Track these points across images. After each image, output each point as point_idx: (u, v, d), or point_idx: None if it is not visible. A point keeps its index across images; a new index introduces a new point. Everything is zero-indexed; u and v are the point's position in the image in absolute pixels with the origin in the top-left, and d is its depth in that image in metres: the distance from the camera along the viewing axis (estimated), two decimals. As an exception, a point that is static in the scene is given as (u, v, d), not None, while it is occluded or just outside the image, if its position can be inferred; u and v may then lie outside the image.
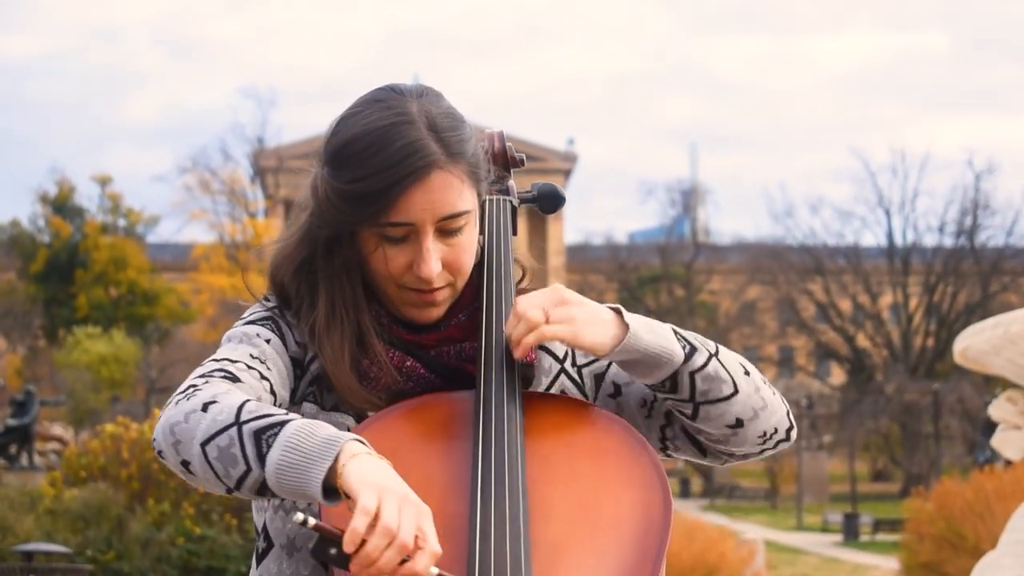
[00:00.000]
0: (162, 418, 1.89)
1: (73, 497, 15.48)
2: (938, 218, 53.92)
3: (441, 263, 2.03)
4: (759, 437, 2.10)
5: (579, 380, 2.19)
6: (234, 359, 2.01)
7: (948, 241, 53.38)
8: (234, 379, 1.96)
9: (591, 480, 1.94)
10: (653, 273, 60.58)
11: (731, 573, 16.57)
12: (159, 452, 1.90)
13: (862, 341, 53.96)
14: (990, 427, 7.83)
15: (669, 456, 2.21)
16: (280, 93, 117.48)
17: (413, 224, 2.00)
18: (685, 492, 48.13)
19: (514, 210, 2.30)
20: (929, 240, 54.13)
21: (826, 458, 47.66)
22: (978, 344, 7.01)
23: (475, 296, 2.13)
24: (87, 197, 59.14)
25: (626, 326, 1.99)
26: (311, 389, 2.09)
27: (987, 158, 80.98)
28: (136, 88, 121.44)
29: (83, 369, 45.10)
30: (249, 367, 2.00)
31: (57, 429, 38.61)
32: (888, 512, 35.58)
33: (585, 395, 2.18)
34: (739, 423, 2.07)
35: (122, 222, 59.58)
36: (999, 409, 7.21)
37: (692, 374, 2.01)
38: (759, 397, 2.07)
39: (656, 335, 2.00)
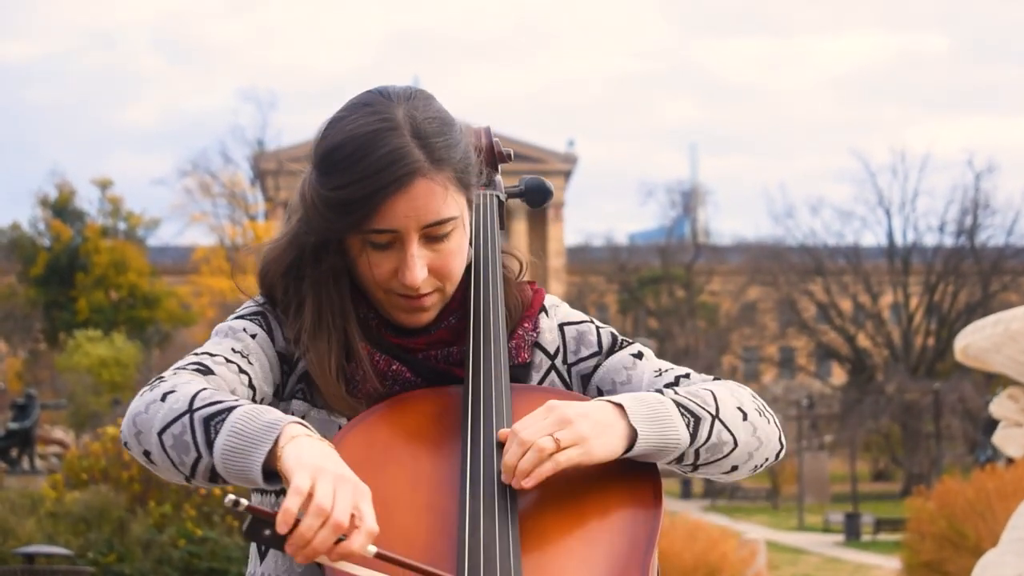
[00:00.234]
0: (128, 410, 1.92)
1: (74, 499, 15.48)
2: (938, 218, 53.95)
3: (428, 269, 2.02)
4: (751, 471, 2.12)
5: (567, 379, 2.18)
6: (214, 353, 2.02)
7: (948, 241, 53.38)
8: (207, 372, 1.97)
9: (580, 471, 1.92)
10: (653, 274, 60.58)
11: (733, 573, 16.56)
12: (124, 443, 1.93)
13: (863, 341, 53.94)
14: (991, 426, 7.82)
15: None
16: (280, 95, 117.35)
17: (397, 231, 1.99)
18: (686, 492, 48.10)
19: (501, 204, 2.30)
20: (929, 240, 54.17)
21: (827, 458, 47.62)
22: (979, 342, 7.00)
23: (465, 298, 2.12)
24: (87, 200, 59.20)
25: (630, 423, 1.94)
26: (300, 386, 2.09)
27: (987, 158, 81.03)
28: (136, 91, 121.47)
29: (84, 372, 45.09)
30: (228, 360, 2.01)
31: (58, 433, 38.60)
32: (889, 512, 35.56)
33: None
34: (734, 468, 2.08)
35: (122, 225, 59.59)
36: (1000, 406, 7.20)
37: (698, 449, 2.00)
38: (755, 439, 2.07)
39: (661, 425, 1.95)
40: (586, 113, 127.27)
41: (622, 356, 2.18)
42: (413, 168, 1.97)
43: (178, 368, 1.97)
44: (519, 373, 2.13)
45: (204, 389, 1.89)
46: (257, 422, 1.80)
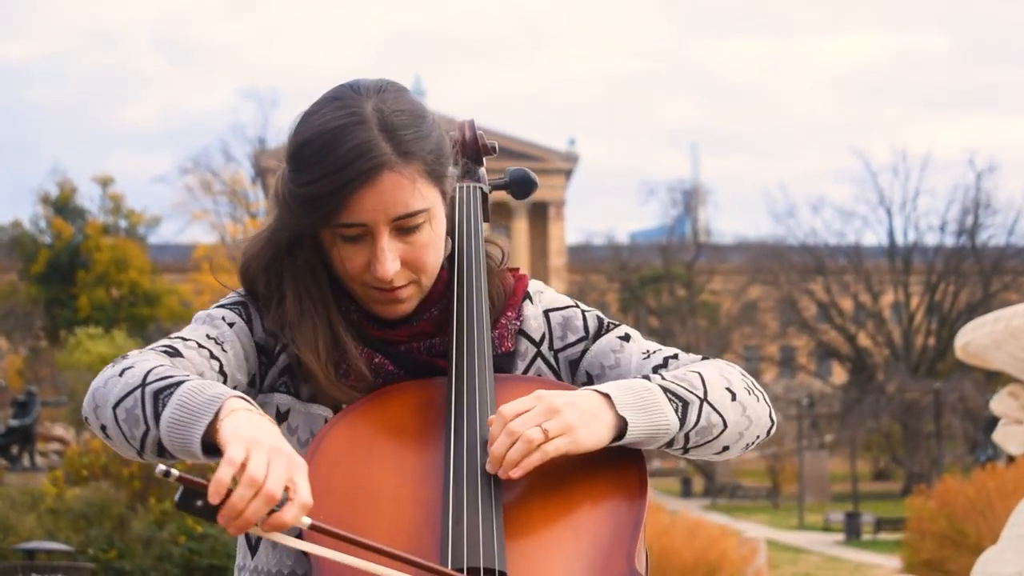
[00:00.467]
0: (90, 386, 1.93)
1: (75, 496, 15.50)
2: (939, 217, 53.90)
3: (400, 261, 2.02)
4: (743, 449, 2.11)
5: (555, 365, 2.17)
6: (187, 337, 2.03)
7: (949, 240, 53.35)
8: (175, 354, 1.97)
9: (566, 460, 1.91)
10: (654, 273, 60.54)
11: (733, 571, 16.56)
12: (85, 418, 1.94)
13: (863, 340, 53.91)
14: (992, 426, 7.81)
15: None
16: (281, 94, 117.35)
17: (366, 225, 1.99)
18: (687, 491, 48.10)
19: (485, 197, 2.29)
20: (930, 239, 54.14)
21: (827, 457, 47.60)
22: (979, 339, 7.01)
23: (447, 290, 2.12)
24: (88, 198, 59.16)
25: (618, 412, 1.93)
26: (283, 380, 2.08)
27: (988, 157, 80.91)
28: (137, 90, 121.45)
29: (84, 370, 45.04)
30: (200, 345, 2.01)
31: (59, 430, 38.61)
32: (890, 511, 35.55)
33: (560, 380, 2.16)
34: (725, 449, 2.07)
35: (123, 223, 59.56)
36: (1001, 404, 7.21)
37: (687, 433, 2.00)
38: (745, 418, 2.06)
39: (650, 412, 1.95)
40: (587, 112, 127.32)
41: (609, 339, 2.17)
42: (379, 161, 1.97)
43: (147, 349, 1.98)
44: (503, 362, 2.12)
45: (160, 366, 1.89)
46: (201, 396, 1.81)
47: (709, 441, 2.02)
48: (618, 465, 1.95)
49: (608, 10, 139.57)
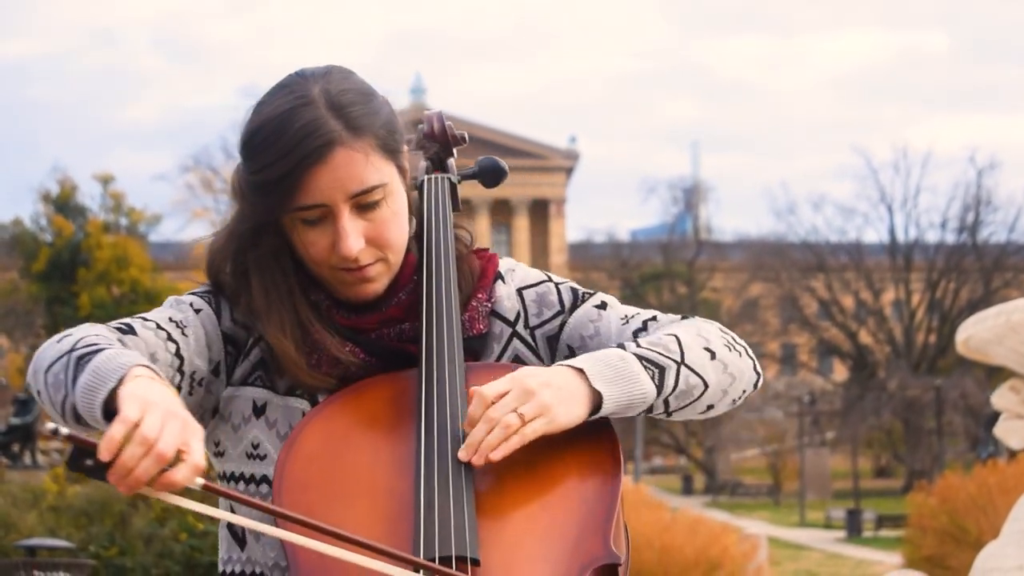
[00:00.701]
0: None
1: (76, 493, 15.50)
2: (940, 214, 53.96)
3: (364, 239, 2.01)
4: (730, 405, 2.10)
5: (532, 343, 2.15)
6: (148, 318, 2.03)
7: (950, 237, 53.41)
8: (128, 331, 1.97)
9: (538, 443, 1.90)
10: (655, 271, 60.57)
11: (734, 568, 16.56)
12: (27, 384, 1.95)
13: (864, 338, 53.93)
14: (993, 423, 7.80)
15: None
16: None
17: (325, 205, 1.98)
18: (688, 489, 48.12)
19: (453, 187, 2.28)
20: (931, 236, 54.19)
21: (829, 455, 47.63)
22: (980, 333, 7.00)
23: (415, 274, 2.11)
24: (89, 196, 59.08)
25: (592, 386, 1.92)
26: (257, 374, 2.07)
27: (989, 155, 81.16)
28: (137, 88, 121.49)
29: (85, 368, 45.07)
30: (159, 327, 2.01)
31: (61, 429, 38.61)
32: (891, 508, 35.56)
33: (540, 358, 2.14)
34: (710, 407, 2.06)
35: (124, 221, 59.53)
36: (1002, 398, 7.20)
37: (666, 399, 1.98)
38: (727, 375, 2.05)
39: (625, 381, 1.93)
40: (588, 111, 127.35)
41: (587, 309, 2.15)
42: (330, 138, 1.96)
43: (102, 325, 1.99)
44: (476, 345, 2.11)
45: (95, 335, 1.89)
46: (112, 363, 1.80)
47: (691, 403, 2.01)
48: (590, 444, 1.94)
49: (608, 9, 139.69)
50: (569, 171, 74.67)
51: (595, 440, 1.94)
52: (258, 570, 2.05)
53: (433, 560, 1.79)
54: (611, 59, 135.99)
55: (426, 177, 2.26)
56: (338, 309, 2.08)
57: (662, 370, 1.97)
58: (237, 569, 2.08)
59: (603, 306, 2.16)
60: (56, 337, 1.93)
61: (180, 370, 2.01)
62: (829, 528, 35.89)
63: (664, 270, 60.37)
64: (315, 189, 1.97)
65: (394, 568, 1.73)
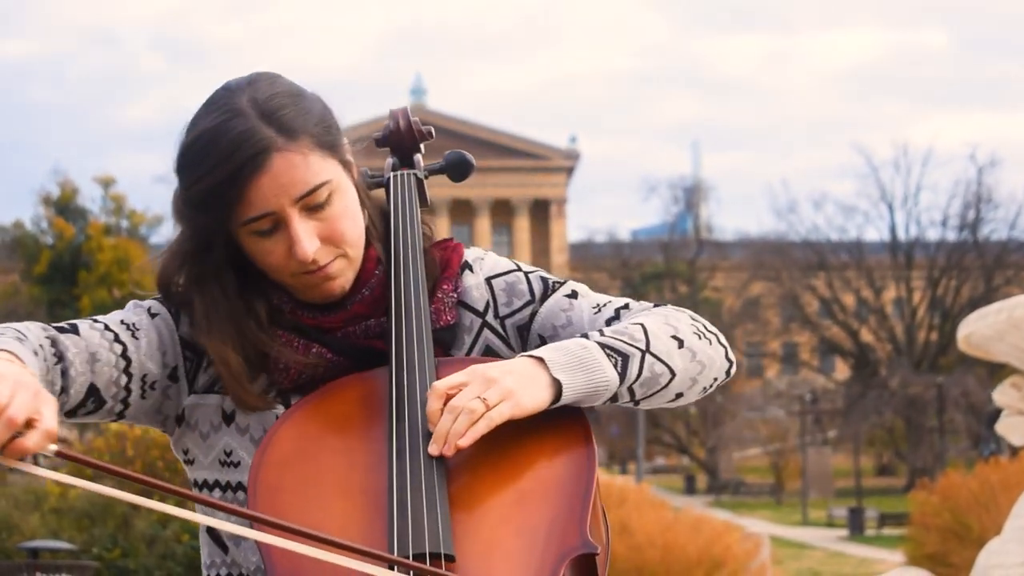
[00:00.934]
0: None
1: (78, 495, 15.50)
2: (941, 212, 53.99)
3: (319, 239, 1.99)
4: (701, 393, 2.08)
5: (503, 333, 2.13)
6: (99, 320, 2.03)
7: (951, 235, 53.42)
8: (70, 330, 1.98)
9: (511, 435, 1.89)
10: (656, 270, 60.59)
11: (737, 566, 16.56)
12: None
13: (866, 336, 53.94)
14: (995, 420, 7.81)
15: None
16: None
17: (273, 212, 1.97)
18: (690, 488, 48.12)
19: (419, 182, 2.27)
20: (932, 234, 54.21)
21: (831, 453, 47.64)
22: (982, 330, 7.02)
23: (376, 268, 2.10)
24: (90, 199, 59.11)
25: (552, 375, 1.90)
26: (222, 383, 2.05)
27: (990, 152, 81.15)
28: (137, 90, 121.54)
29: (87, 370, 45.09)
30: (107, 328, 2.01)
31: (62, 431, 38.65)
32: (893, 506, 35.57)
33: (511, 348, 2.13)
34: (679, 395, 2.04)
35: (125, 223, 59.58)
36: (1004, 395, 7.21)
37: (631, 387, 1.96)
38: (696, 364, 2.03)
39: (586, 370, 1.92)
40: (588, 110, 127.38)
41: (557, 299, 2.13)
42: (264, 146, 1.95)
43: (44, 325, 1.99)
44: (446, 336, 2.10)
45: (8, 327, 1.89)
46: None
47: (658, 391, 2.00)
48: (563, 434, 1.93)
49: (608, 8, 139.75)
50: (570, 171, 74.67)
51: (568, 430, 1.93)
52: (243, 572, 2.05)
53: (408, 557, 1.78)
54: (611, 58, 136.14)
55: (392, 174, 2.25)
56: (302, 310, 2.07)
57: (626, 358, 1.95)
58: (223, 572, 2.07)
59: (574, 295, 2.14)
60: None
61: (127, 372, 2.00)
62: (831, 527, 35.90)
63: (665, 269, 60.39)
64: (260, 199, 1.95)
65: (369, 566, 1.72)
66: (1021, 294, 7.33)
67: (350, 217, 2.03)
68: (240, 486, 2.03)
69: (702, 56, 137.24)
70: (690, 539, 15.98)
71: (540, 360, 1.91)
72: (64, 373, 1.93)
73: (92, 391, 1.97)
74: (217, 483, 2.05)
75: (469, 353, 2.12)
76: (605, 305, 2.12)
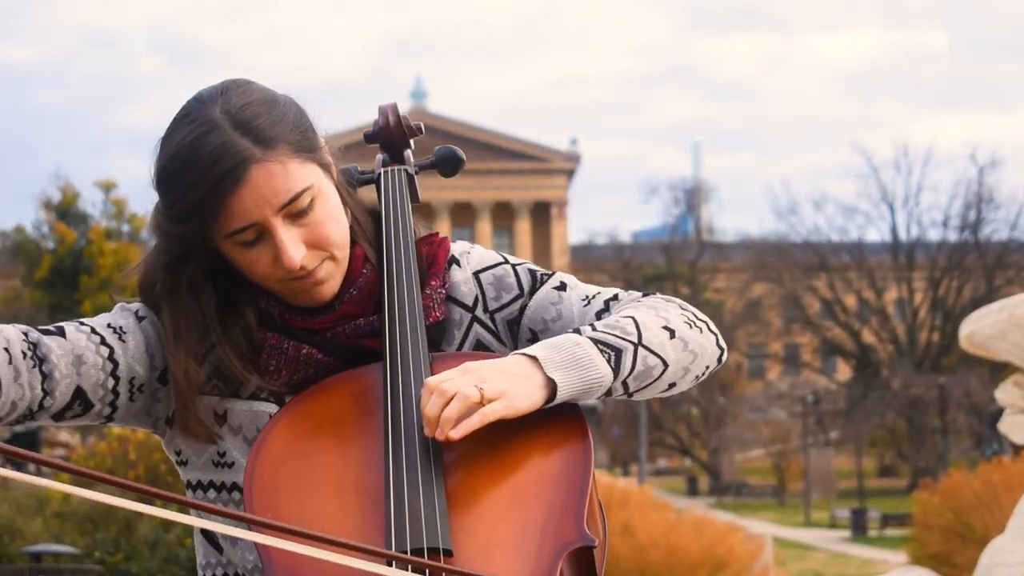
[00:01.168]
0: None
1: (81, 499, 15.49)
2: (942, 213, 53.94)
3: (304, 245, 1.99)
4: (693, 382, 2.08)
5: (493, 327, 2.13)
6: (85, 322, 2.04)
7: (952, 236, 53.38)
8: (57, 332, 1.98)
9: (506, 430, 1.89)
10: (657, 272, 60.57)
11: (739, 567, 16.56)
12: None
13: (867, 337, 53.93)
14: (997, 420, 7.81)
15: None
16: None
17: (257, 223, 1.96)
18: (692, 490, 48.09)
19: (410, 178, 2.27)
20: (933, 235, 54.18)
21: (833, 454, 47.61)
22: (984, 328, 7.02)
23: (364, 267, 2.09)
24: (91, 203, 59.13)
25: (546, 374, 1.90)
26: (214, 383, 2.05)
27: (990, 152, 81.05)
28: (136, 93, 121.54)
29: (89, 375, 45.06)
30: (94, 331, 2.01)
31: (64, 435, 38.62)
32: (896, 507, 35.56)
33: (502, 342, 2.12)
34: (672, 386, 2.04)
35: (126, 227, 59.58)
36: (1006, 394, 7.22)
37: (625, 381, 1.96)
38: (688, 353, 2.02)
39: (580, 367, 1.91)
40: (588, 112, 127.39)
41: (547, 292, 2.12)
42: (242, 158, 1.94)
43: (34, 327, 1.99)
44: (435, 332, 2.09)
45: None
46: None
47: (651, 383, 1.99)
48: (558, 429, 1.92)
49: (608, 9, 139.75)
50: (570, 173, 74.66)
51: (563, 425, 1.93)
52: (239, 572, 2.05)
53: (405, 553, 1.78)
54: (611, 60, 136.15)
55: (382, 170, 2.25)
56: (291, 313, 2.06)
57: (618, 352, 1.94)
58: (219, 573, 2.07)
59: (562, 287, 2.13)
60: None
61: (114, 374, 2.00)
62: (834, 528, 35.89)
63: (666, 271, 60.37)
64: (242, 211, 1.95)
65: (366, 562, 1.71)
66: (1022, 293, 7.34)
67: (334, 219, 2.03)
68: (235, 486, 2.03)
69: (702, 57, 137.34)
70: (693, 540, 15.98)
71: (533, 359, 1.90)
72: (47, 376, 1.92)
73: (78, 394, 1.97)
74: (211, 484, 2.05)
75: (460, 348, 2.11)
76: (594, 297, 2.12)
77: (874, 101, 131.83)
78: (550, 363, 1.90)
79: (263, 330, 2.05)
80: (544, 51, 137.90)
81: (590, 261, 63.82)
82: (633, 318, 2.00)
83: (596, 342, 1.94)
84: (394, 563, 1.75)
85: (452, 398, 1.84)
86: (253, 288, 2.06)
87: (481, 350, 2.11)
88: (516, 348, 2.09)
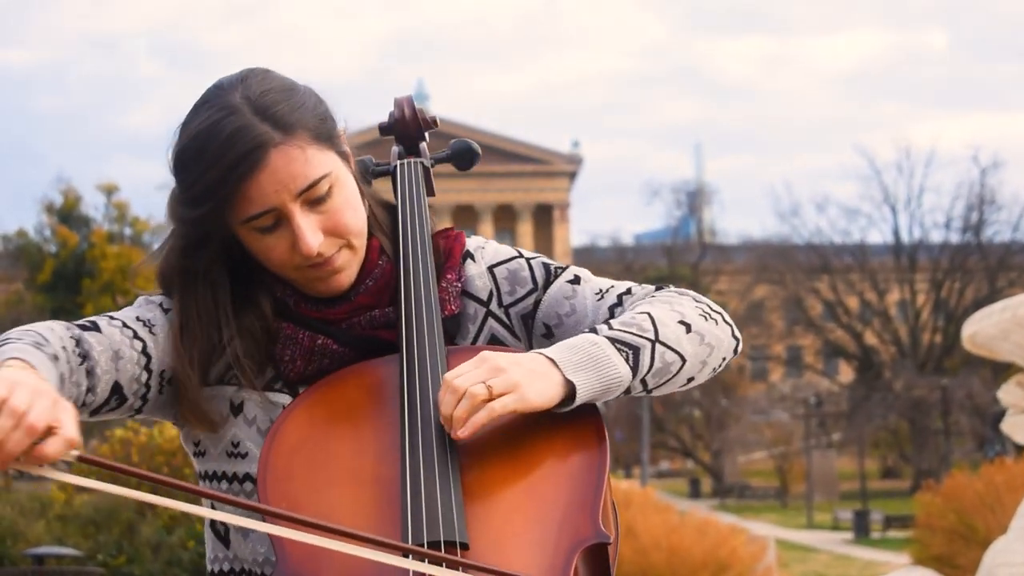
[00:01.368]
0: None
1: (83, 502, 15.51)
2: (944, 214, 53.92)
3: (322, 232, 1.99)
4: (711, 374, 2.08)
5: (508, 322, 2.13)
6: (115, 316, 2.03)
7: (954, 237, 53.35)
8: (92, 328, 1.97)
9: (524, 425, 1.89)
10: (660, 274, 60.51)
11: (742, 569, 16.56)
12: None
13: (870, 338, 53.90)
14: (999, 421, 7.81)
15: None
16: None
17: (275, 208, 1.96)
18: (695, 492, 48.06)
19: (426, 171, 2.27)
20: (935, 236, 54.16)
21: (835, 456, 47.59)
22: (986, 328, 7.01)
23: (380, 258, 2.09)
24: (93, 206, 59.15)
25: (565, 376, 1.89)
26: (233, 372, 2.05)
27: (992, 153, 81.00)
28: (138, 97, 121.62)
29: (91, 377, 45.04)
30: (126, 325, 2.01)
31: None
32: (898, 509, 35.54)
33: (516, 337, 2.12)
34: (691, 380, 2.04)
35: (128, 231, 59.60)
36: (1008, 394, 7.20)
37: (643, 379, 1.96)
38: (705, 347, 2.02)
39: (599, 368, 1.90)
40: (590, 114, 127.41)
41: (560, 286, 2.12)
42: (261, 142, 1.94)
43: (70, 322, 1.99)
44: (449, 325, 2.09)
45: (29, 330, 1.89)
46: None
47: (670, 379, 1.99)
48: (575, 425, 1.92)
49: (609, 11, 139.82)
50: (572, 175, 74.66)
51: (580, 421, 1.92)
52: (246, 567, 2.04)
53: (422, 545, 1.78)
54: (612, 62, 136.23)
55: (399, 162, 2.25)
56: (306, 304, 2.07)
57: (636, 351, 1.94)
58: (225, 567, 2.07)
59: (576, 280, 2.13)
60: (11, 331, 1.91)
61: (148, 368, 2.00)
62: (837, 529, 35.87)
63: (668, 273, 60.32)
64: (261, 196, 1.95)
65: (383, 554, 1.71)
66: (1025, 294, 7.33)
67: (352, 208, 2.03)
68: (248, 477, 2.02)
69: (703, 59, 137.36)
70: (695, 542, 15.97)
71: (552, 361, 1.90)
72: (90, 372, 1.93)
73: (116, 389, 1.97)
74: (224, 475, 2.05)
75: (474, 343, 2.11)
76: (608, 291, 2.12)
77: (874, 102, 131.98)
78: (568, 365, 1.90)
79: (278, 320, 2.05)
80: (544, 52, 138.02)
81: (592, 263, 63.51)
82: (649, 314, 1.99)
83: (613, 341, 1.93)
84: (411, 556, 1.74)
85: (462, 396, 1.84)
86: (268, 277, 2.06)
87: (495, 344, 2.11)
88: (530, 342, 2.10)
